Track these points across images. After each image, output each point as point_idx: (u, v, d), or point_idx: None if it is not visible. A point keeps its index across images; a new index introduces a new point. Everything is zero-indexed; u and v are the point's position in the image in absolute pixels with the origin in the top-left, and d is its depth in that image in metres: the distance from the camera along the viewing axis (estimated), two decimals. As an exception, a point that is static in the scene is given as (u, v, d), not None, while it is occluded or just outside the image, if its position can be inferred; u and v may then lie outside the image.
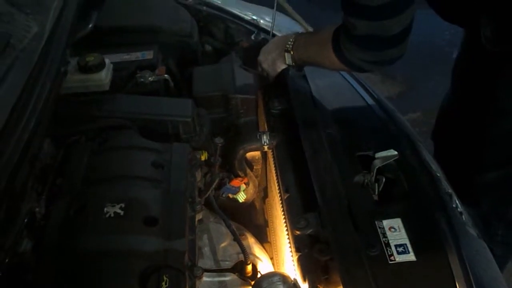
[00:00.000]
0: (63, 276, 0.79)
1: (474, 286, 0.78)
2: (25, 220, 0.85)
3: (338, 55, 1.06)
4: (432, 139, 1.56)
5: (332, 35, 1.07)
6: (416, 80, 2.94)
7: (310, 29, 1.56)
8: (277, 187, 1.04)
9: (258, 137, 1.13)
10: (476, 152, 1.37)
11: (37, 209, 0.88)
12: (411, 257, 0.80)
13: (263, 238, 1.23)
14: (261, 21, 1.55)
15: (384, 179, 0.92)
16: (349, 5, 0.97)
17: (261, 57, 1.28)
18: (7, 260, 0.77)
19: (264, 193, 1.31)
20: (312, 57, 1.17)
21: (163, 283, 0.75)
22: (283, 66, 1.25)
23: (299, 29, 1.62)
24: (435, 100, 2.73)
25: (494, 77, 1.22)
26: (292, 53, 1.19)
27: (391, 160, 0.93)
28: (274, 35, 1.38)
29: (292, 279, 0.84)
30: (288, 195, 0.99)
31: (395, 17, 0.95)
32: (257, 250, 1.05)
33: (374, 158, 0.93)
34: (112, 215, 0.84)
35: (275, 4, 1.35)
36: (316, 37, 1.15)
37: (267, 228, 1.28)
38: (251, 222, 1.24)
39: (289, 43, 1.20)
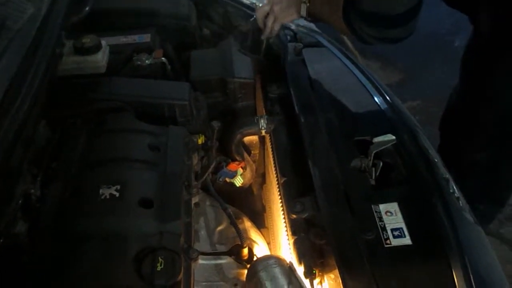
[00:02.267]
0: (58, 257, 0.78)
1: (469, 271, 0.78)
2: (20, 202, 0.84)
3: (346, 22, 1.05)
4: (440, 129, 1.58)
5: (343, 3, 1.05)
6: (416, 68, 2.92)
7: None
8: (274, 171, 1.04)
9: (255, 121, 1.12)
10: (469, 133, 1.43)
11: (32, 191, 0.88)
12: (407, 241, 0.80)
13: (261, 223, 1.23)
14: (260, 4, 1.53)
15: (381, 164, 0.92)
16: None
17: None
18: (1, 241, 0.77)
19: (262, 179, 1.31)
20: (325, 15, 1.16)
21: (158, 265, 0.75)
22: (295, 16, 1.22)
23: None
24: (435, 88, 2.74)
25: (491, 66, 1.25)
26: (308, 4, 1.17)
27: (388, 145, 0.93)
28: None
29: (288, 262, 0.85)
30: (284, 179, 0.98)
31: None
32: (253, 234, 1.05)
33: (372, 143, 0.92)
34: (108, 196, 0.83)
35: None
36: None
37: (265, 214, 1.28)
38: (248, 207, 1.24)
39: None
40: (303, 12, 1.19)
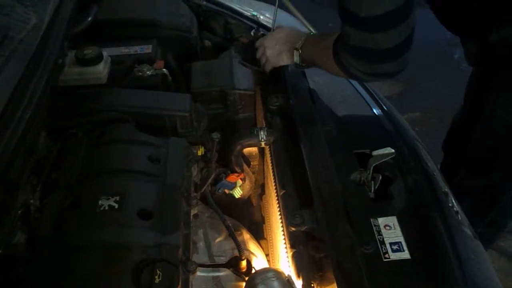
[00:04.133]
0: (57, 268, 0.78)
1: (468, 285, 0.78)
2: (19, 212, 0.84)
3: (337, 62, 1.06)
4: (442, 148, 1.59)
5: (334, 40, 1.07)
6: (416, 80, 2.94)
7: (312, 29, 1.56)
8: (273, 183, 1.04)
9: (255, 133, 1.12)
10: (464, 160, 1.44)
11: (31, 201, 0.88)
12: (405, 255, 0.80)
13: (260, 235, 1.23)
14: (261, 17, 1.55)
15: (380, 177, 0.92)
16: (343, 11, 0.96)
17: (267, 44, 1.26)
18: (0, 251, 0.77)
19: (261, 190, 1.31)
20: (316, 60, 1.16)
21: (156, 277, 0.75)
22: (287, 62, 1.24)
23: (300, 27, 1.62)
24: (435, 100, 2.75)
25: (484, 93, 1.27)
26: (300, 52, 1.19)
27: (388, 158, 0.93)
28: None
29: (287, 275, 0.84)
30: (284, 191, 0.98)
31: (386, 31, 0.93)
32: (252, 246, 1.04)
33: (371, 156, 0.93)
34: (107, 208, 0.83)
35: (277, 2, 1.34)
36: (323, 41, 1.14)
37: (264, 225, 1.28)
38: (247, 218, 1.24)
39: (300, 41, 1.19)
40: (296, 59, 1.20)
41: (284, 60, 1.24)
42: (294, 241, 0.89)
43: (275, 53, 1.25)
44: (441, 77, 2.94)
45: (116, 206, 0.84)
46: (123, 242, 0.81)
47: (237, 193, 1.14)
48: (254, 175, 1.27)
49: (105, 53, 1.17)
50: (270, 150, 1.12)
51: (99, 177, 0.91)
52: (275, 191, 1.03)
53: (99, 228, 0.82)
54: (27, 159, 0.90)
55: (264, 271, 0.86)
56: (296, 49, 1.19)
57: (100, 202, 0.84)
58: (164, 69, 1.24)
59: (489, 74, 1.24)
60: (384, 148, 0.93)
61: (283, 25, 1.37)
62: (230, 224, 0.98)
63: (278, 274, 0.84)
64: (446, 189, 0.98)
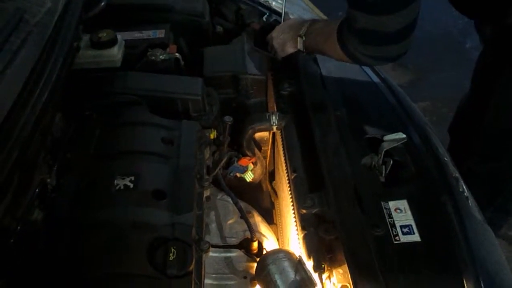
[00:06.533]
0: (73, 246, 0.80)
1: (478, 268, 0.79)
2: (37, 190, 0.86)
3: (341, 47, 1.06)
4: (449, 131, 1.59)
5: (338, 25, 1.07)
6: (427, 69, 2.92)
7: (322, 15, 1.56)
8: (284, 167, 1.05)
9: (267, 118, 1.13)
10: (473, 144, 1.45)
11: (48, 181, 0.90)
12: (416, 237, 0.80)
13: (269, 220, 1.24)
14: (273, 2, 1.54)
15: (391, 162, 0.92)
16: None
17: (274, 34, 1.28)
18: (19, 228, 0.79)
19: (271, 176, 1.32)
20: (320, 46, 1.17)
21: (171, 255, 0.76)
22: (292, 50, 1.25)
23: (311, 15, 1.62)
24: (446, 89, 2.73)
25: (494, 77, 1.27)
26: (304, 39, 1.20)
27: (399, 143, 0.93)
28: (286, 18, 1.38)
29: (297, 256, 0.86)
30: (295, 175, 1.00)
31: (393, 14, 0.94)
32: (263, 228, 1.06)
33: (382, 141, 0.93)
34: (122, 187, 0.85)
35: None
36: (326, 27, 1.15)
37: (273, 210, 1.29)
38: (257, 203, 1.25)
39: (303, 28, 1.20)
40: (300, 46, 1.21)
41: (290, 49, 1.25)
42: (305, 223, 0.90)
43: (280, 43, 1.26)
44: (452, 66, 2.91)
45: (131, 185, 0.85)
46: (138, 221, 0.82)
47: (249, 176, 1.15)
48: (265, 160, 1.28)
49: (119, 36, 1.18)
50: (281, 134, 1.13)
51: (114, 158, 0.92)
52: (286, 175, 1.04)
53: (115, 207, 0.84)
54: (44, 139, 0.91)
55: (275, 251, 0.88)
56: (300, 36, 1.20)
57: (115, 181, 0.86)
58: (176, 54, 1.25)
59: (501, 58, 1.23)
60: (396, 133, 0.94)
61: (295, 12, 1.37)
62: (242, 207, 1.00)
63: (289, 255, 0.85)
64: (457, 174, 0.98)
